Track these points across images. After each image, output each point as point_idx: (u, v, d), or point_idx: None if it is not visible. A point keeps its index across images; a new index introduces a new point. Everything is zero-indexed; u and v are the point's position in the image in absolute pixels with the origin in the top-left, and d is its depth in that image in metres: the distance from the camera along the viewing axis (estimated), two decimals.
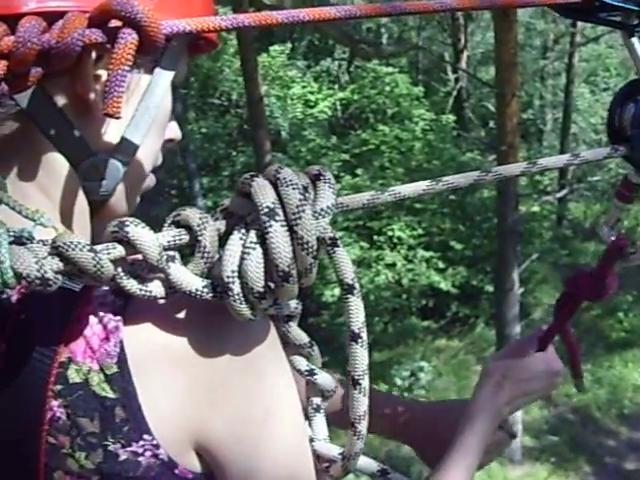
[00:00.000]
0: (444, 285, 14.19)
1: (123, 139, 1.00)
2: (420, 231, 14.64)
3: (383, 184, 15.19)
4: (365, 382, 1.02)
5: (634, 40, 1.21)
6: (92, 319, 0.89)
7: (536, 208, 15.40)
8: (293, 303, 1.03)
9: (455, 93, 19.29)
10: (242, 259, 0.86)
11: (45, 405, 0.88)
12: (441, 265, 14.47)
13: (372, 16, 1.00)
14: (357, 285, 0.96)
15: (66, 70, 0.87)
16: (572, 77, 19.11)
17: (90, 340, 0.89)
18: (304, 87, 17.19)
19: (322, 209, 0.89)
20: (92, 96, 0.94)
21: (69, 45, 0.80)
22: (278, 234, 0.85)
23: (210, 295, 0.87)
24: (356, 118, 18.00)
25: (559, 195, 14.82)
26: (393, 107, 17.14)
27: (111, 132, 0.99)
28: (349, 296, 0.96)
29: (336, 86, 18.28)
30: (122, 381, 0.88)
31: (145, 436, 0.89)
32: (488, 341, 13.42)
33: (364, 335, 0.99)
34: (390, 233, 14.52)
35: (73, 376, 0.88)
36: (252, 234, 0.86)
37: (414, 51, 18.15)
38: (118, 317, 0.89)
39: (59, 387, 0.88)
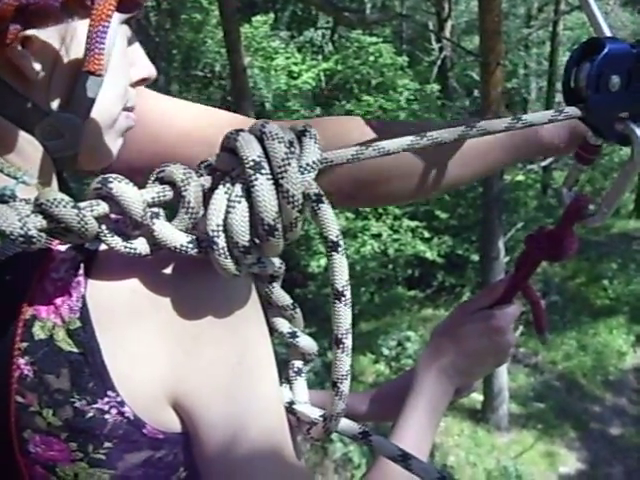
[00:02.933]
0: (430, 255, 14.23)
1: (74, 92, 0.96)
2: (408, 208, 14.65)
3: None
4: (348, 341, 1.01)
5: None
6: (54, 275, 0.88)
7: (521, 177, 15.41)
8: (277, 262, 1.01)
9: (439, 62, 19.22)
10: (227, 213, 0.85)
11: (12, 364, 0.87)
12: (427, 235, 14.51)
13: None
14: (342, 243, 0.94)
15: None
16: (556, 45, 19.10)
17: (53, 296, 0.88)
18: (288, 58, 17.08)
19: (307, 164, 0.88)
20: (25, 59, 0.91)
21: (48, 1, 0.80)
22: (264, 187, 0.84)
23: (195, 251, 0.87)
24: (340, 89, 17.92)
25: (544, 164, 14.81)
26: (377, 77, 17.08)
27: (58, 88, 0.96)
28: (333, 254, 0.95)
29: (320, 57, 18.19)
30: (85, 336, 0.86)
31: (109, 392, 0.87)
32: None
33: (348, 293, 0.97)
34: (380, 210, 14.54)
35: (38, 333, 0.87)
36: (237, 188, 0.85)
37: (398, 21, 18.09)
38: (80, 272, 0.88)
39: (25, 344, 0.87)
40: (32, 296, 0.88)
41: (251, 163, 0.84)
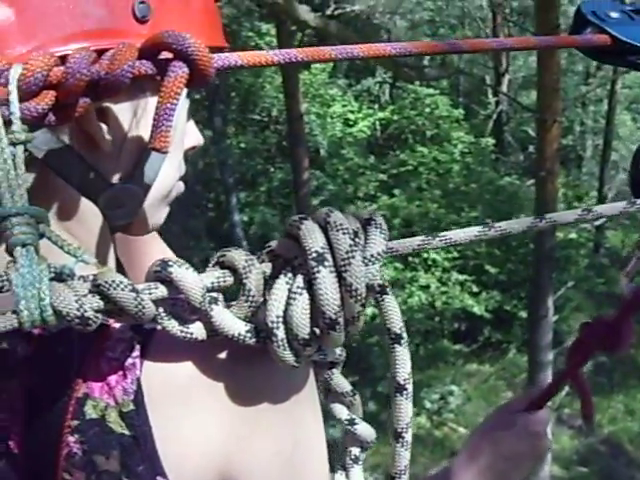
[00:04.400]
0: (477, 309, 14.09)
1: (140, 165, 0.99)
2: (455, 254, 14.56)
3: (419, 206, 15.17)
4: (408, 435, 1.00)
5: None
6: (110, 354, 0.88)
7: (573, 235, 15.27)
8: (337, 350, 1.00)
9: (495, 116, 19.21)
10: (288, 304, 0.83)
11: (62, 441, 0.87)
12: (475, 289, 14.38)
13: (428, 53, 0.98)
14: (405, 335, 0.93)
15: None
16: (614, 104, 18.95)
17: (107, 376, 0.87)
18: (344, 106, 17.21)
19: (372, 255, 0.86)
20: (98, 130, 0.94)
21: (118, 77, 0.80)
22: (326, 280, 0.82)
23: (253, 340, 0.86)
24: (395, 138, 17.98)
25: (597, 223, 14.69)
26: (432, 129, 17.13)
27: (126, 160, 0.99)
28: (396, 346, 0.94)
29: (376, 106, 18.29)
30: (138, 419, 0.86)
31: (159, 478, 0.87)
32: (520, 367, 13.29)
33: (409, 387, 0.96)
34: (425, 255, 14.47)
35: (90, 412, 0.86)
36: (299, 279, 0.84)
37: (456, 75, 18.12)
38: (136, 353, 0.88)
39: (76, 422, 0.86)
40: (86, 373, 0.87)
41: (314, 254, 0.83)
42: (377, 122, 17.60)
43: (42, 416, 0.88)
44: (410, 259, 14.16)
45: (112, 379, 0.87)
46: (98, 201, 0.98)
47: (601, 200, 16.90)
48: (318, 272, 0.82)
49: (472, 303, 14.11)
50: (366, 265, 0.85)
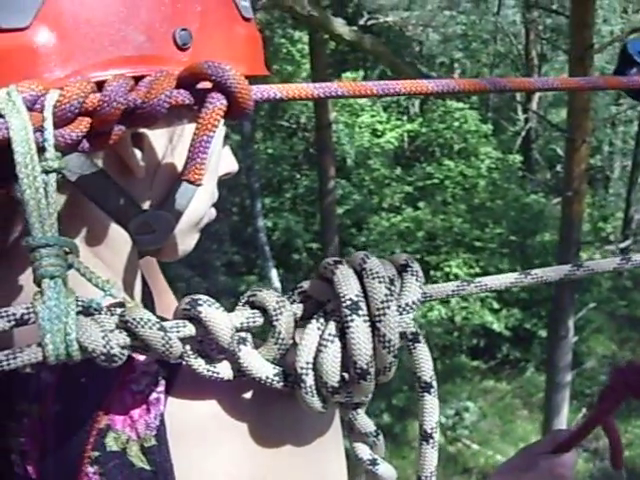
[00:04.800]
0: (497, 326, 14.03)
1: (172, 192, 0.99)
2: (477, 269, 14.51)
3: (444, 219, 15.13)
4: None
5: None
6: (134, 387, 0.87)
7: (597, 256, 15.17)
8: None
9: (524, 133, 19.15)
10: (318, 351, 0.82)
11: (81, 471, 0.85)
12: (496, 305, 14.32)
13: (470, 92, 0.96)
14: (435, 384, 0.91)
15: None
16: None
17: (131, 409, 0.86)
18: (373, 116, 17.22)
19: (407, 304, 0.84)
20: (133, 156, 0.93)
21: (155, 106, 0.79)
22: (359, 330, 0.79)
23: (281, 384, 0.84)
24: (422, 151, 17.97)
25: (622, 245, 14.56)
26: (460, 143, 17.10)
27: (159, 187, 0.98)
28: (425, 395, 0.92)
29: (405, 117, 18.29)
30: (159, 455, 0.84)
31: None
32: (537, 387, 13.22)
33: (436, 436, 0.94)
34: (447, 269, 14.43)
35: (111, 444, 0.85)
36: (331, 326, 0.82)
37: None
38: (161, 388, 0.86)
39: (96, 454, 0.85)
40: (109, 405, 0.86)
41: (348, 302, 0.80)
42: (405, 134, 17.59)
43: (62, 444, 0.87)
44: (432, 273, 14.13)
45: (135, 413, 0.86)
46: (128, 226, 0.98)
47: (626, 222, 16.78)
48: (352, 321, 0.80)
49: (492, 320, 14.05)
50: (400, 314, 0.84)
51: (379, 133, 16.97)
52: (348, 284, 0.81)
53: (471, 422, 12.31)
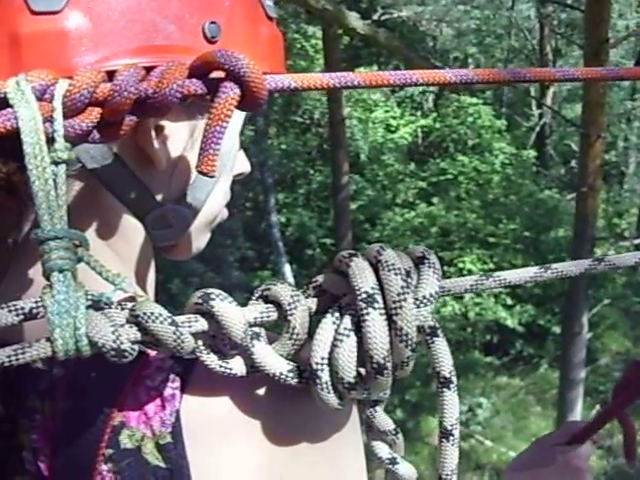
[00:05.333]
0: (510, 322, 14.00)
1: (192, 188, 0.99)
2: (491, 265, 14.48)
3: (458, 215, 15.11)
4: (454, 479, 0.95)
5: None
6: (149, 383, 0.85)
7: (612, 252, 15.11)
8: None
9: (538, 129, 19.08)
10: (334, 346, 0.79)
11: (94, 468, 0.84)
12: (509, 301, 14.29)
13: (489, 82, 0.94)
14: (454, 379, 0.89)
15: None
16: None
17: (145, 405, 0.85)
18: (387, 111, 17.19)
19: (425, 297, 0.82)
20: (154, 148, 0.93)
21: (167, 96, 0.77)
22: (376, 323, 0.77)
23: (295, 381, 0.82)
24: (436, 146, 17.94)
25: (637, 241, 14.50)
26: (474, 138, 17.06)
27: (178, 181, 0.98)
28: (445, 390, 0.89)
29: (418, 113, 18.25)
30: (175, 452, 0.83)
31: None
32: (550, 383, 13.18)
33: (456, 433, 0.92)
34: (461, 265, 14.40)
35: (125, 441, 0.84)
36: (346, 320, 0.79)
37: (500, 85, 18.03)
38: (176, 384, 0.85)
39: (110, 451, 0.84)
40: (123, 401, 0.85)
41: (364, 295, 0.78)
42: (419, 129, 17.57)
43: (75, 441, 0.85)
44: (445, 269, 14.10)
45: (150, 409, 0.85)
46: (145, 219, 0.97)
47: None
48: (367, 314, 0.78)
49: (505, 315, 14.03)
50: (418, 307, 0.81)
51: (393, 128, 16.95)
52: (363, 277, 0.79)
53: (484, 418, 12.29)
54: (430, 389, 12.70)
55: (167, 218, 0.98)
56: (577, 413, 8.83)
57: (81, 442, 0.85)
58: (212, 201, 1.02)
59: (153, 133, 0.92)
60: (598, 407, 11.56)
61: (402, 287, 0.78)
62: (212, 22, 0.91)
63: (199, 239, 1.06)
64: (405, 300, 0.78)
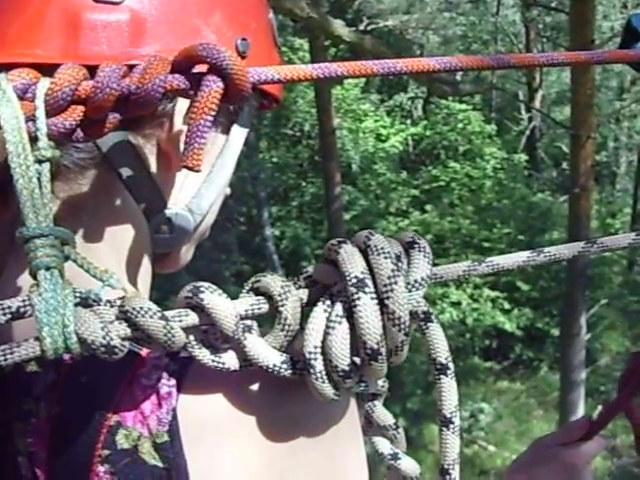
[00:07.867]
0: (509, 326, 14.00)
1: (198, 195, 1.00)
2: None
3: (451, 222, 15.13)
4: (455, 472, 0.93)
5: None
6: (144, 381, 0.84)
7: (606, 253, 15.13)
8: (380, 381, 0.94)
9: (528, 132, 19.14)
10: (326, 334, 0.78)
11: (91, 470, 0.82)
12: (507, 306, 14.30)
13: (474, 68, 0.93)
14: (451, 365, 0.87)
15: (154, 118, 0.90)
16: None
17: (141, 405, 0.83)
18: (376, 121, 17.25)
19: (416, 280, 0.80)
20: (174, 148, 0.94)
21: (149, 91, 0.76)
22: (367, 307, 0.76)
23: (289, 372, 0.81)
24: (427, 154, 17.99)
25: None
26: (465, 144, 17.12)
27: (187, 187, 1.00)
28: (442, 377, 0.87)
29: (408, 121, 18.33)
30: (172, 451, 0.81)
31: None
32: (551, 386, 13.17)
33: (456, 420, 0.89)
34: None
35: (122, 442, 0.82)
36: (338, 307, 0.78)
37: (489, 90, 18.09)
38: (172, 382, 0.83)
39: (106, 452, 0.82)
40: (119, 401, 0.83)
41: (354, 280, 0.77)
42: (409, 137, 17.62)
43: (71, 443, 0.84)
44: None
45: (146, 408, 0.83)
46: (151, 220, 0.98)
47: (635, 217, 16.73)
48: (358, 299, 0.76)
49: (503, 320, 14.03)
50: (409, 291, 0.80)
51: (383, 138, 16.99)
52: (353, 262, 0.78)
53: (486, 423, 12.27)
54: (432, 397, 12.69)
55: (171, 223, 0.99)
56: (579, 414, 8.81)
57: (77, 444, 0.84)
58: (210, 214, 1.04)
59: (179, 137, 0.93)
60: (600, 408, 11.55)
61: (392, 270, 0.77)
62: (243, 39, 0.97)
63: (189, 251, 1.08)
64: (396, 283, 0.77)
